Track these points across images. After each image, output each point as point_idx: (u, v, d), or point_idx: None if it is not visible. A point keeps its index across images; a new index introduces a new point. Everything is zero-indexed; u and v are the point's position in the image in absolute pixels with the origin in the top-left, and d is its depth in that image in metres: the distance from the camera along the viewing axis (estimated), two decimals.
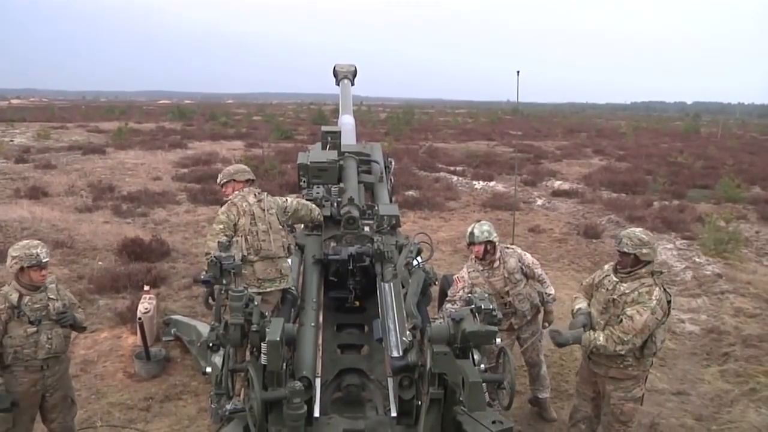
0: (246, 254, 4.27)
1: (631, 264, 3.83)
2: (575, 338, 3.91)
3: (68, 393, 4.16)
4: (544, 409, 5.14)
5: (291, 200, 4.67)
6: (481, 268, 4.81)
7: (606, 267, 4.14)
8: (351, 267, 4.22)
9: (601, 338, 3.77)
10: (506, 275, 4.75)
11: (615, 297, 3.85)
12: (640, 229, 4.01)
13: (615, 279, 3.91)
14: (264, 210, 4.43)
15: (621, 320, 3.76)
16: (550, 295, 4.95)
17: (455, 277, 5.01)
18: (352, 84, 7.89)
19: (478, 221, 4.92)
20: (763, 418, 5.13)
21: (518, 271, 4.80)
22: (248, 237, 4.31)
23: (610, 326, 3.81)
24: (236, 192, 4.52)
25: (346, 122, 6.94)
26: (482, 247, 4.72)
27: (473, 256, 4.85)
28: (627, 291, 3.81)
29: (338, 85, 7.82)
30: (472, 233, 4.73)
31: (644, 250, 3.79)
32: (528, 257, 4.96)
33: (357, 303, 4.32)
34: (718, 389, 5.65)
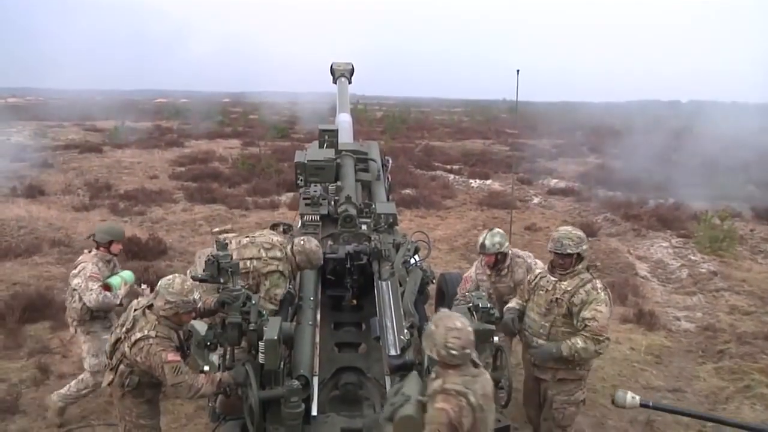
0: None
1: (573, 263, 3.82)
2: (549, 353, 3.81)
3: None
4: None
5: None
6: (489, 272, 4.88)
7: (537, 270, 4.15)
8: (348, 266, 4.22)
9: (579, 342, 3.71)
10: (512, 285, 4.80)
11: (558, 296, 3.82)
12: (571, 226, 4.00)
13: (553, 279, 3.88)
14: None
15: (581, 323, 3.71)
16: None
17: (464, 276, 5.08)
18: (350, 82, 7.88)
19: (491, 230, 4.88)
20: (757, 414, 5.17)
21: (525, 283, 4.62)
22: None
23: (575, 333, 3.76)
24: None
25: (343, 120, 6.92)
26: (492, 258, 4.77)
27: (484, 261, 4.89)
28: (569, 288, 3.78)
29: (335, 83, 7.82)
30: (483, 244, 4.74)
31: (584, 246, 3.83)
32: (536, 269, 4.50)
33: (354, 301, 4.32)
34: (713, 386, 5.69)
